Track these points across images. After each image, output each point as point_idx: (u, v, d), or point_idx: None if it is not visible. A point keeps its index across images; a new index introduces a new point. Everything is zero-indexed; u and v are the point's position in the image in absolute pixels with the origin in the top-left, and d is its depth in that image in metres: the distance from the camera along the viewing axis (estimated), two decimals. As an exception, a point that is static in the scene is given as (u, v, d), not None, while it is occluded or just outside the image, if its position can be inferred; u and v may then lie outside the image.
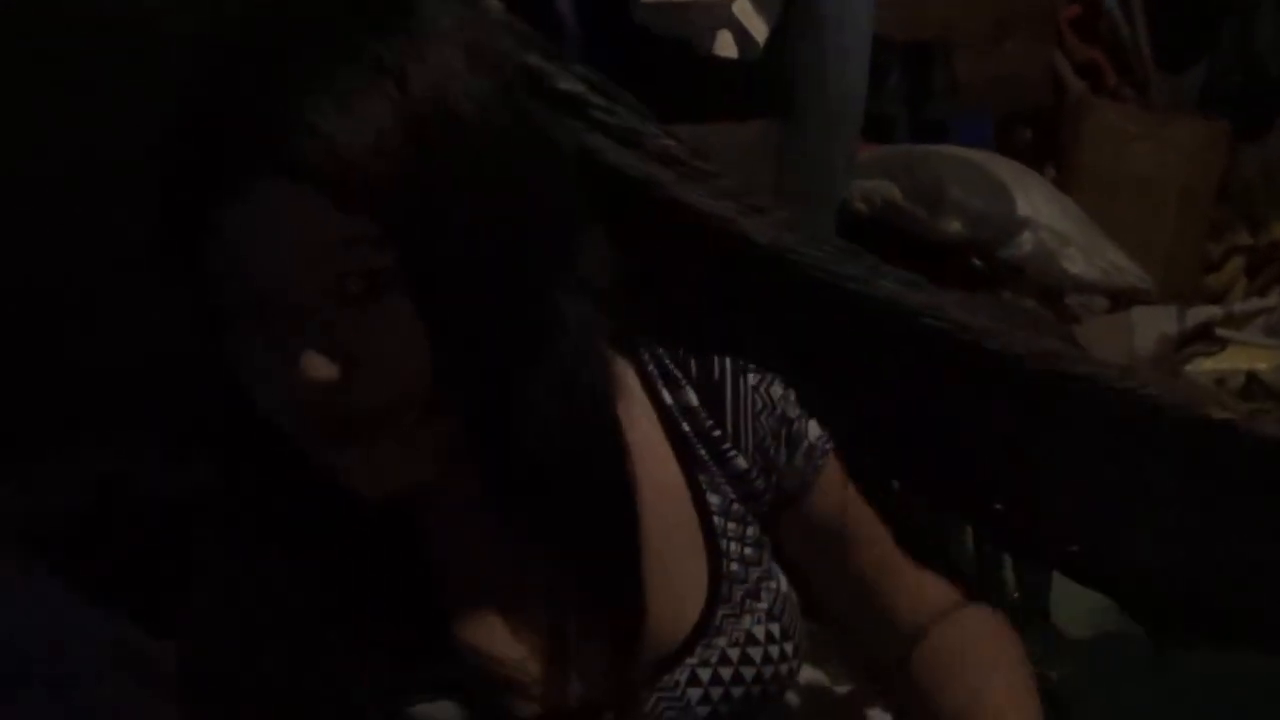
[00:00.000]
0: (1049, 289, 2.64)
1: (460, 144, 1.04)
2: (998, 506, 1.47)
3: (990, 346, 1.29)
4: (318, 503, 1.14)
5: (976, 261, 2.60)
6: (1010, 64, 3.22)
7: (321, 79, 1.00)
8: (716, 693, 1.24)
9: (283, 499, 1.16)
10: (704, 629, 1.24)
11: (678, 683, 1.23)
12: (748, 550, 1.27)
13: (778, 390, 1.31)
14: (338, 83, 1.00)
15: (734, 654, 1.24)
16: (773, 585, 1.28)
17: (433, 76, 1.03)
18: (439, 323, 1.04)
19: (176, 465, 1.48)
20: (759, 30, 2.59)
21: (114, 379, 1.57)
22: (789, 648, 1.27)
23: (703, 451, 1.27)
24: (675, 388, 1.27)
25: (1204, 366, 2.22)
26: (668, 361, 1.29)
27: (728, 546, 1.26)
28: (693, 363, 1.29)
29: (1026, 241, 2.62)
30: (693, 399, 1.27)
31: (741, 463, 1.28)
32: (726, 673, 1.24)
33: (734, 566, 1.26)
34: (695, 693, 1.24)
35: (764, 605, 1.27)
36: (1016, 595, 2.14)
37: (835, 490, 1.33)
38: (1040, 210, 2.67)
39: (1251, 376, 2.09)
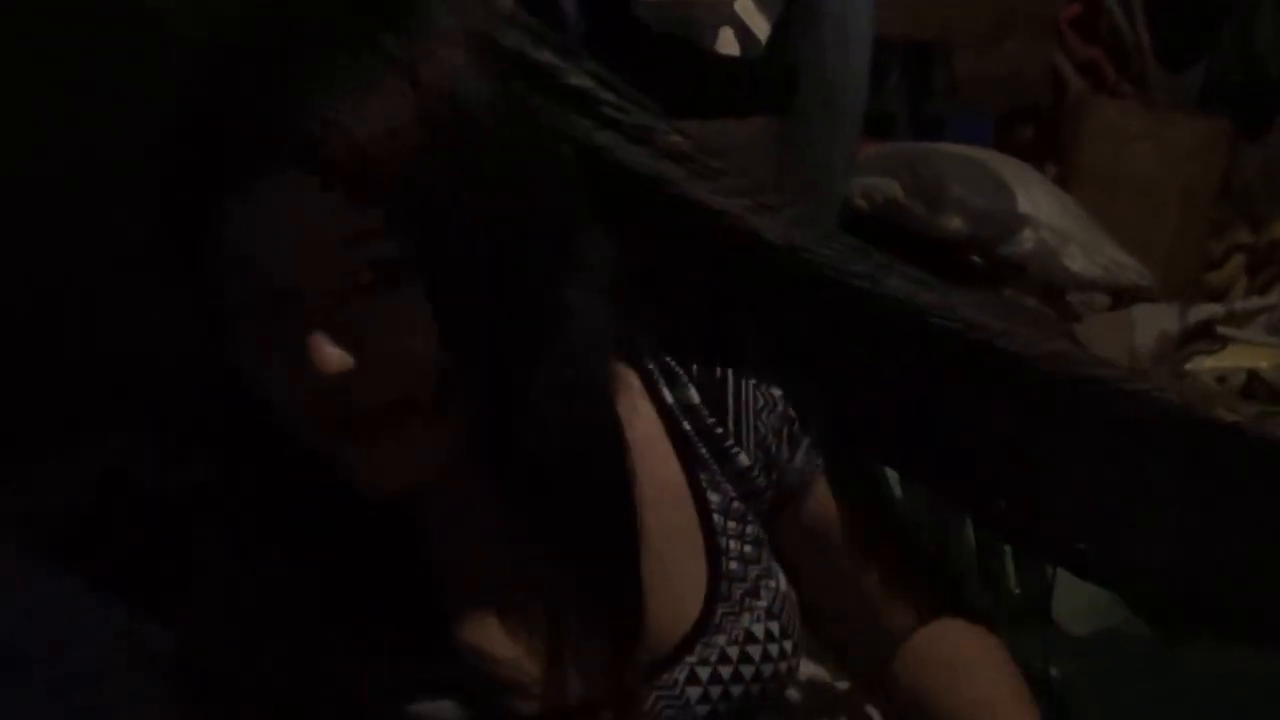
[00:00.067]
0: (1050, 286, 2.63)
1: (470, 137, 1.04)
2: (1001, 504, 1.47)
3: (1000, 346, 1.28)
4: (318, 502, 1.14)
5: (977, 259, 2.60)
6: (1010, 62, 3.21)
7: (333, 71, 1.01)
8: (716, 691, 1.24)
9: (283, 499, 1.16)
10: (703, 627, 1.24)
11: (677, 681, 1.23)
12: (747, 548, 1.27)
13: (779, 389, 1.31)
14: (350, 75, 1.01)
15: (733, 652, 1.25)
16: (772, 584, 1.28)
17: (442, 71, 1.04)
18: (447, 315, 1.05)
19: (176, 464, 1.48)
20: (760, 27, 2.59)
21: (114, 378, 1.57)
22: (788, 646, 1.27)
23: (703, 450, 1.27)
24: (676, 385, 1.27)
25: (1205, 364, 2.21)
26: (669, 359, 1.29)
27: (727, 545, 1.26)
28: (694, 360, 1.29)
29: (1027, 239, 2.62)
30: (694, 397, 1.27)
31: (744, 460, 1.28)
32: (726, 671, 1.24)
33: (733, 565, 1.26)
34: (694, 691, 1.24)
35: (763, 603, 1.27)
36: (1017, 591, 2.14)
37: (834, 490, 1.33)
38: (1041, 208, 2.66)
39: (1252, 375, 2.08)
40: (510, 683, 1.19)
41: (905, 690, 1.33)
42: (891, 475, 1.61)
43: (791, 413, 1.30)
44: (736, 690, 1.25)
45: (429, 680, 1.18)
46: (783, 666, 1.27)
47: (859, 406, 1.37)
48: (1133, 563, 1.45)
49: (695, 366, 1.28)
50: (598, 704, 1.21)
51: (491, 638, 1.20)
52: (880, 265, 1.29)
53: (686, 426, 1.26)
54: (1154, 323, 2.40)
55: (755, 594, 1.26)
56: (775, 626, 1.26)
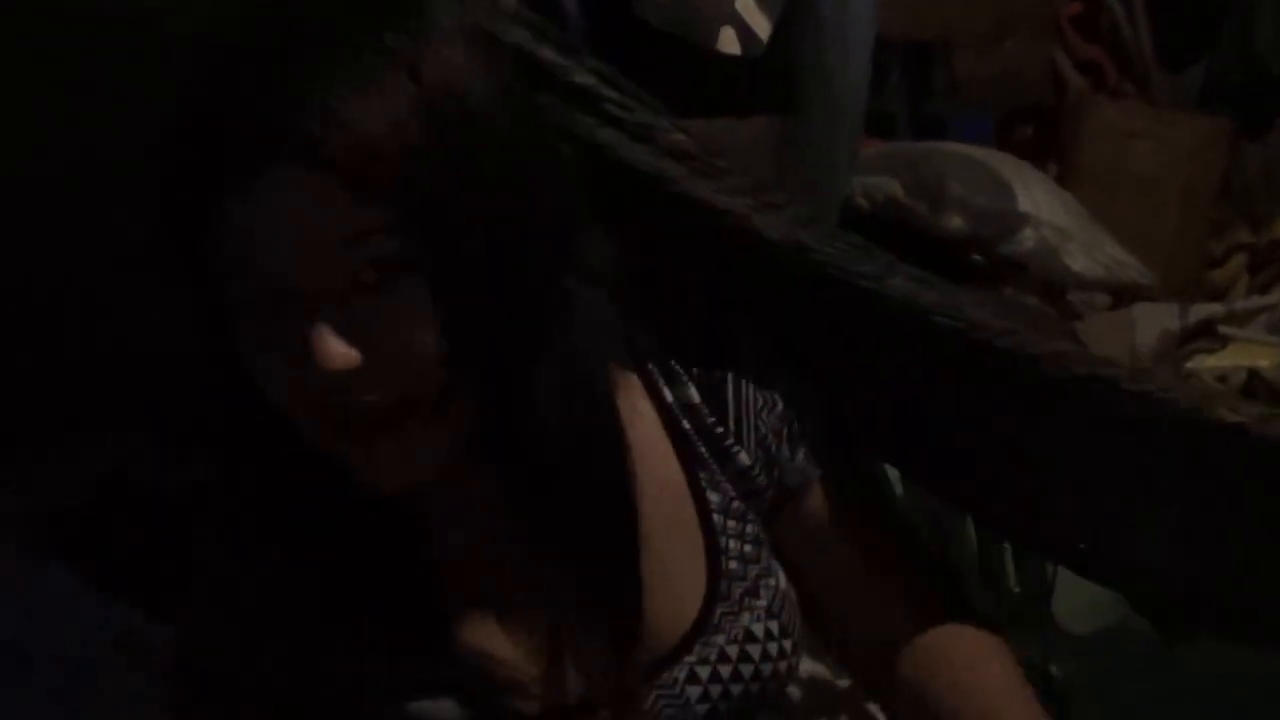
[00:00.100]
0: (1051, 285, 2.63)
1: (472, 135, 1.05)
2: (1001, 503, 1.47)
3: (1003, 345, 1.28)
4: (318, 502, 1.14)
5: (977, 257, 2.59)
6: (1011, 61, 3.21)
7: (334, 69, 1.01)
8: (715, 690, 1.24)
9: (283, 499, 1.16)
10: (703, 627, 1.24)
11: (676, 680, 1.23)
12: (747, 548, 1.27)
13: (779, 388, 1.31)
14: (351, 72, 1.01)
15: (733, 651, 1.25)
16: (772, 583, 1.28)
17: (444, 69, 1.04)
18: (450, 312, 1.05)
19: (176, 464, 1.48)
20: (761, 26, 2.58)
21: (114, 378, 1.57)
22: (787, 645, 1.27)
23: (703, 449, 1.27)
24: (676, 384, 1.27)
25: (1206, 363, 2.21)
26: (669, 358, 1.29)
27: (727, 544, 1.26)
28: (694, 359, 1.29)
29: (1028, 238, 2.62)
30: (694, 396, 1.27)
31: (744, 459, 1.28)
32: (725, 670, 1.24)
33: (733, 564, 1.26)
34: (694, 690, 1.24)
35: (763, 603, 1.27)
36: (1017, 590, 2.14)
37: (834, 490, 1.33)
38: (1041, 207, 2.66)
39: (1253, 374, 2.08)
40: (510, 682, 1.19)
41: (910, 691, 1.32)
42: (892, 474, 1.61)
43: (791, 412, 1.30)
44: (736, 689, 1.25)
45: (429, 680, 1.18)
46: (782, 665, 1.27)
47: (859, 406, 1.37)
48: (1133, 562, 1.45)
49: (696, 364, 1.28)
50: (598, 703, 1.21)
51: (491, 637, 1.20)
52: (884, 264, 1.29)
53: (686, 425, 1.27)
54: (1155, 321, 2.40)
55: (755, 593, 1.27)
56: (775, 625, 1.26)
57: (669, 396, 1.27)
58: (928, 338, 1.29)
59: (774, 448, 1.29)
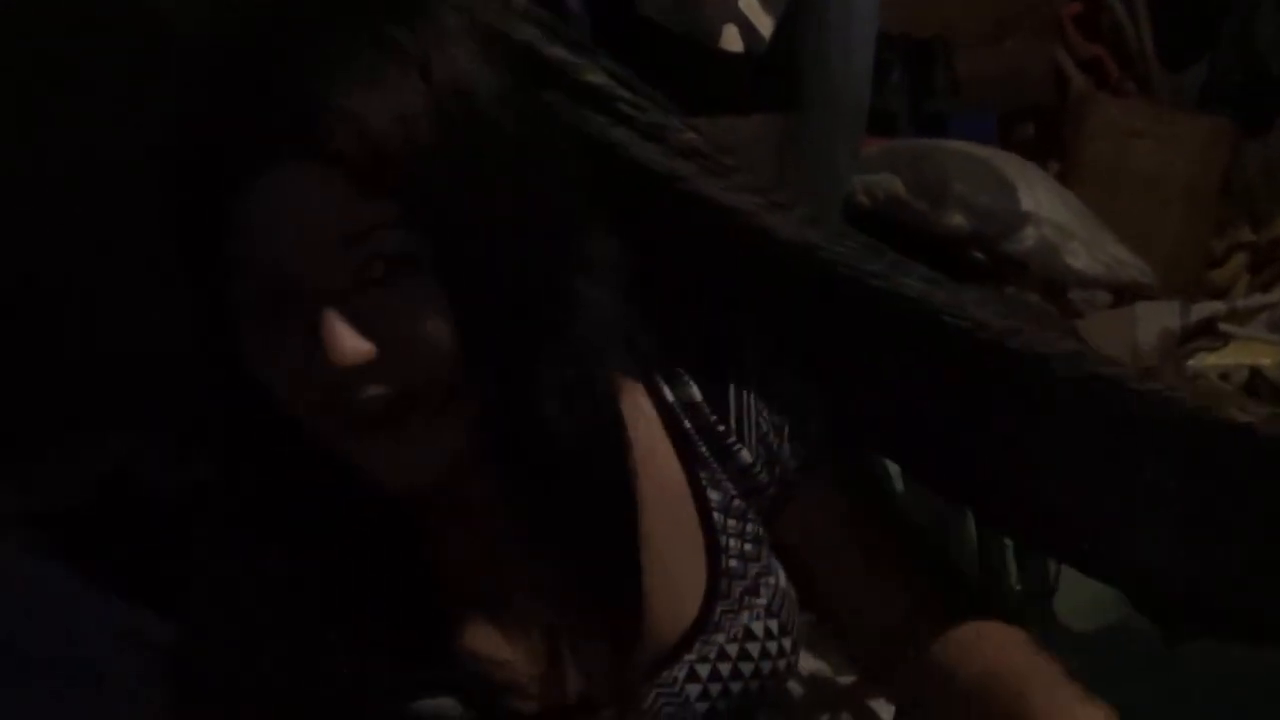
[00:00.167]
0: (1052, 284, 2.63)
1: (481, 130, 1.05)
2: (1004, 501, 1.47)
3: (1011, 345, 1.28)
4: (318, 502, 1.14)
5: (979, 255, 2.59)
6: (1012, 60, 3.21)
7: (341, 64, 1.01)
8: (715, 689, 1.24)
9: (283, 498, 1.16)
10: (702, 625, 1.24)
11: (676, 679, 1.24)
12: (747, 546, 1.27)
13: (782, 387, 1.30)
14: (359, 67, 1.01)
15: (732, 650, 1.25)
16: (771, 581, 1.28)
17: (452, 65, 1.04)
18: (459, 304, 1.04)
19: (177, 464, 1.48)
20: (764, 24, 2.59)
21: (114, 378, 1.57)
22: (787, 643, 1.27)
23: (704, 448, 1.27)
24: (677, 383, 1.27)
25: (1207, 362, 2.21)
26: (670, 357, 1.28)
27: (727, 543, 1.26)
28: (696, 359, 1.29)
29: (1029, 236, 2.62)
30: (696, 394, 1.27)
31: (745, 457, 1.28)
32: (725, 669, 1.25)
33: (733, 563, 1.26)
34: (694, 689, 1.24)
35: (762, 601, 1.27)
36: (1019, 588, 2.14)
37: (836, 485, 1.33)
38: (1043, 205, 2.66)
39: (1255, 372, 2.08)
40: (510, 682, 1.19)
41: (938, 678, 1.30)
42: (893, 469, 1.61)
43: (793, 410, 1.30)
44: (736, 687, 1.25)
45: (429, 680, 1.18)
46: (781, 664, 1.27)
47: (862, 404, 1.37)
48: (1135, 561, 1.45)
49: (697, 362, 1.28)
50: (598, 703, 1.21)
51: (491, 637, 1.20)
52: (893, 264, 1.29)
53: (687, 425, 1.26)
54: (1156, 320, 2.40)
55: (755, 592, 1.27)
56: (774, 624, 1.27)
57: (670, 396, 1.27)
58: (935, 337, 1.29)
59: (775, 445, 1.29)
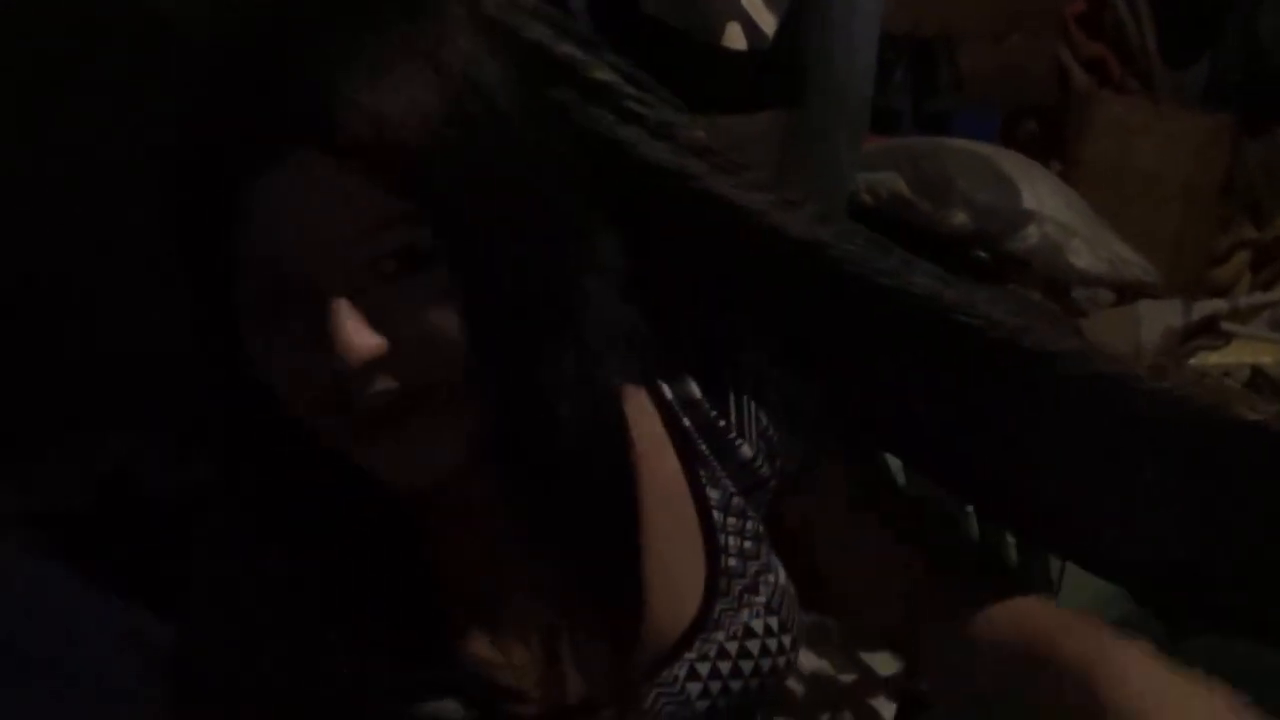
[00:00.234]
0: (1054, 282, 2.63)
1: (492, 124, 1.04)
2: (1008, 498, 1.47)
3: (1021, 343, 1.28)
4: (318, 502, 1.14)
5: (981, 254, 2.59)
6: (1015, 58, 3.21)
7: (353, 56, 1.00)
8: (715, 686, 1.25)
9: (284, 498, 1.16)
10: (702, 624, 1.24)
11: (677, 678, 1.24)
12: (746, 544, 1.27)
13: (785, 385, 1.31)
14: (370, 59, 1.00)
15: (732, 648, 1.25)
16: (771, 578, 1.28)
17: (462, 59, 1.04)
18: (470, 300, 1.04)
19: (177, 464, 1.48)
20: (767, 22, 2.59)
21: (115, 378, 1.57)
22: (786, 640, 1.28)
23: (703, 445, 1.27)
24: (676, 381, 1.27)
25: (1209, 360, 2.21)
26: (670, 355, 1.28)
27: (726, 541, 1.26)
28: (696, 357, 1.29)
29: (1032, 234, 2.62)
30: (695, 391, 1.27)
31: (746, 451, 1.28)
32: (725, 667, 1.25)
33: (732, 561, 1.26)
34: (694, 687, 1.24)
35: (762, 599, 1.27)
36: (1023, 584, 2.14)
37: (840, 474, 1.33)
38: (1046, 203, 2.66)
39: (1256, 370, 2.09)
40: (511, 683, 1.19)
41: (988, 651, 1.26)
42: (894, 464, 1.61)
43: (794, 407, 1.30)
44: (736, 685, 1.25)
45: (430, 681, 1.18)
46: (781, 661, 1.27)
47: (870, 401, 1.37)
48: (1140, 558, 1.45)
49: (696, 360, 1.28)
50: (599, 703, 1.21)
51: (492, 638, 1.20)
52: (902, 261, 1.28)
53: (686, 422, 1.26)
54: (1158, 318, 2.40)
55: (754, 589, 1.27)
56: (774, 621, 1.27)
57: (669, 393, 1.26)
58: (946, 334, 1.28)
59: (776, 438, 1.29)
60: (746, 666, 1.26)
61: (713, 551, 1.26)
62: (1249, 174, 3.10)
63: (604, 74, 1.23)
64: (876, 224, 1.31)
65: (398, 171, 1.00)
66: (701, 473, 1.26)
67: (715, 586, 1.25)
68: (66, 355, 1.56)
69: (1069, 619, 1.21)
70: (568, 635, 1.21)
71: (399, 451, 1.08)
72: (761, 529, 1.29)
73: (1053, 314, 2.43)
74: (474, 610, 1.21)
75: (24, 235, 1.45)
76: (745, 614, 1.26)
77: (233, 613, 1.19)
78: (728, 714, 1.26)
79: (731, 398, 1.28)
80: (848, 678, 1.85)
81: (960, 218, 2.62)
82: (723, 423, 1.27)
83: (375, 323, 1.02)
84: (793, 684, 1.40)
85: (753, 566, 1.27)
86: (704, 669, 1.24)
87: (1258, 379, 2.08)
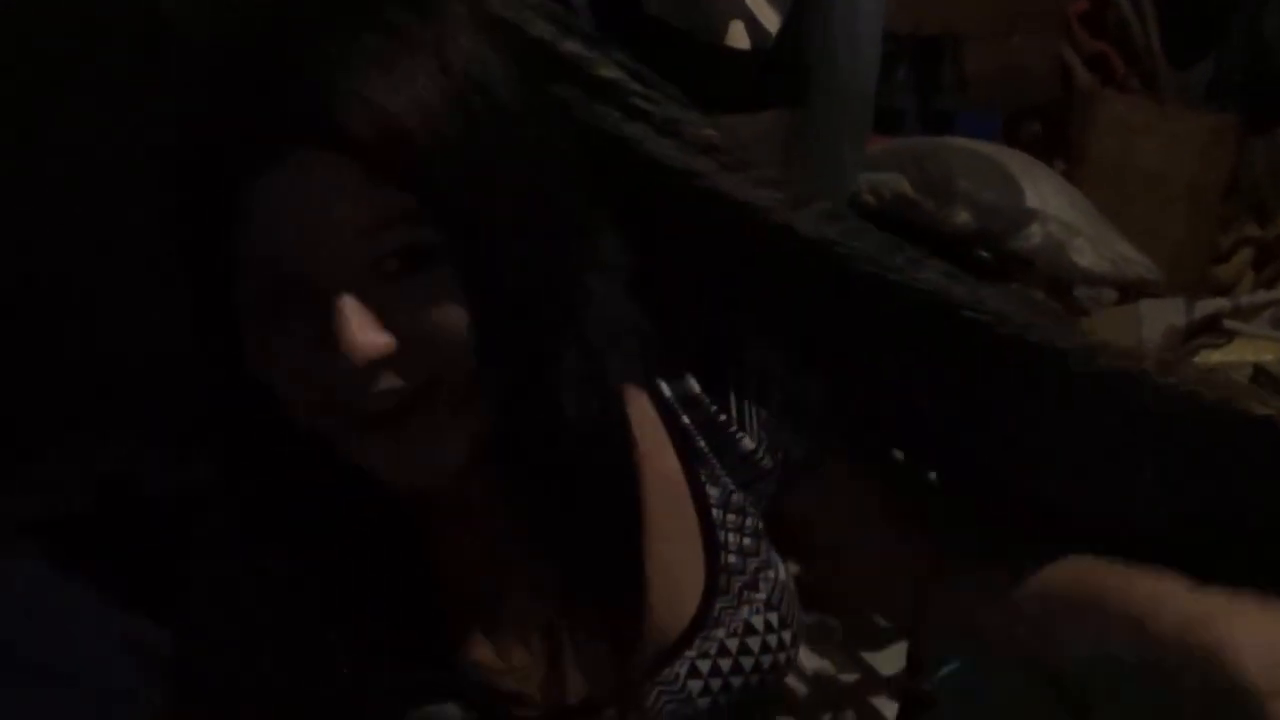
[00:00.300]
0: (1057, 281, 2.64)
1: (496, 121, 1.03)
2: (1012, 496, 1.47)
3: (1031, 340, 1.28)
4: (318, 503, 1.14)
5: (984, 253, 2.60)
6: (1019, 57, 3.22)
7: (355, 50, 1.00)
8: (716, 684, 1.25)
9: (284, 499, 1.15)
10: (702, 621, 1.24)
11: (678, 675, 1.24)
12: (746, 541, 1.27)
13: (788, 384, 1.31)
14: (372, 54, 1.00)
15: (733, 645, 1.25)
16: (770, 575, 1.28)
17: (466, 55, 1.03)
18: (475, 298, 1.03)
19: (177, 464, 1.48)
20: (771, 21, 2.59)
21: (115, 379, 1.57)
22: (787, 636, 1.28)
23: (703, 443, 1.26)
24: (675, 379, 1.27)
25: (1211, 358, 2.21)
26: (669, 354, 1.28)
27: (725, 539, 1.26)
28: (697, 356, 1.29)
29: (1035, 233, 2.62)
30: (694, 387, 1.27)
31: (747, 443, 1.28)
32: (726, 664, 1.25)
33: (731, 558, 1.26)
34: (695, 684, 1.24)
35: (762, 595, 1.27)
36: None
37: (844, 472, 1.34)
38: (1049, 202, 2.67)
39: (1258, 369, 2.09)
40: (511, 685, 1.19)
41: (993, 609, 1.29)
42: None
43: (797, 399, 1.30)
44: (737, 682, 1.25)
45: (430, 684, 1.18)
46: (782, 657, 1.28)
47: (876, 398, 1.37)
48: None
49: (697, 356, 1.28)
50: (600, 703, 1.21)
51: (492, 638, 1.20)
52: (911, 259, 1.28)
53: (685, 420, 1.26)
54: (1161, 317, 2.41)
55: (754, 586, 1.27)
56: (774, 617, 1.27)
57: (667, 391, 1.26)
58: (952, 331, 1.28)
59: (778, 429, 1.29)
60: (747, 663, 1.26)
61: (712, 549, 1.26)
62: (1252, 173, 3.10)
63: (610, 71, 1.22)
64: (880, 225, 1.31)
65: (400, 168, 0.99)
66: (701, 471, 1.26)
67: (715, 584, 1.25)
68: (66, 355, 1.55)
69: (1104, 564, 1.25)
70: (568, 635, 1.21)
71: (401, 451, 1.07)
72: (761, 525, 1.29)
73: (1056, 313, 2.43)
74: (474, 610, 1.20)
75: (24, 235, 1.45)
76: (745, 611, 1.26)
77: (232, 613, 1.19)
78: (729, 711, 1.27)
79: (732, 391, 1.28)
80: (849, 677, 1.85)
81: (963, 217, 2.62)
82: (723, 417, 1.27)
83: (379, 321, 1.01)
84: (795, 684, 1.40)
85: (752, 563, 1.27)
86: (705, 666, 1.25)
87: (1260, 377, 2.08)
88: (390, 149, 0.98)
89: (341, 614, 1.17)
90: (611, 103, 1.22)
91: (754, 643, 1.26)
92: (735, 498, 1.27)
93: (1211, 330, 2.35)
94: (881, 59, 2.59)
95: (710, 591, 1.25)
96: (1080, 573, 1.26)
